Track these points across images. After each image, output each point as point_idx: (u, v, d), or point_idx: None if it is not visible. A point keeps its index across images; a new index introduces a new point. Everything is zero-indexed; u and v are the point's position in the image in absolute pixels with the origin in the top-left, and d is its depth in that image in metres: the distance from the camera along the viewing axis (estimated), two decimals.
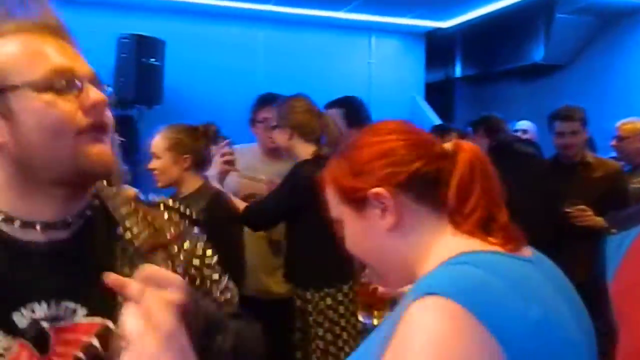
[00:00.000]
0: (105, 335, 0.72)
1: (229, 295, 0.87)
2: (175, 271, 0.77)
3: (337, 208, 0.82)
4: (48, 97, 0.70)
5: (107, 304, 0.71)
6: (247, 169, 2.43)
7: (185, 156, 2.04)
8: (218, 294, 0.85)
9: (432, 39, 5.54)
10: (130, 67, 4.00)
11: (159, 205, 0.87)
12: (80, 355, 0.72)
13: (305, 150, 2.14)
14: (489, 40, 5.26)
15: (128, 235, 0.79)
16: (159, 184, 2.10)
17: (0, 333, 0.70)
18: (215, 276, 0.86)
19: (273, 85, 4.16)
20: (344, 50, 5.10)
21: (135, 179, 3.03)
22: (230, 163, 2.25)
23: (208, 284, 0.85)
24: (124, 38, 4.04)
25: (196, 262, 0.84)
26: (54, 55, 0.72)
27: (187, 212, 0.89)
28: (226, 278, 0.89)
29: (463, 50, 5.85)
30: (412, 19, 5.06)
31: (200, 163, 2.11)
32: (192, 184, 2.08)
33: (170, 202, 0.89)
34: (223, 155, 2.24)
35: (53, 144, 0.70)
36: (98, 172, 0.75)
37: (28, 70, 0.70)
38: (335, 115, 2.51)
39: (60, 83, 0.71)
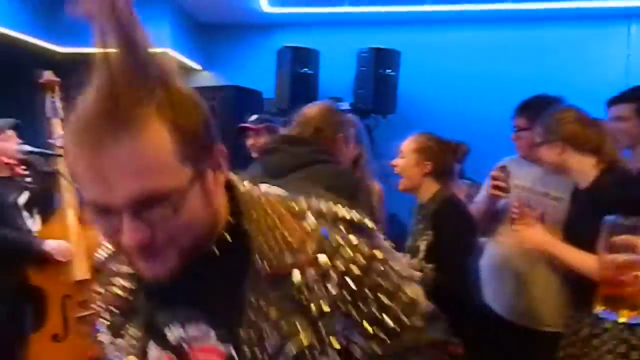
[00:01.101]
0: None
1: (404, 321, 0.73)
2: (316, 293, 0.70)
3: None
4: (94, 214, 0.67)
5: (233, 332, 0.72)
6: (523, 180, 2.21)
7: (427, 162, 2.13)
8: (392, 320, 0.72)
9: None
10: (368, 79, 4.23)
11: (304, 212, 0.75)
12: None
13: (584, 163, 1.87)
14: None
15: (260, 263, 0.72)
16: (400, 187, 2.20)
17: (154, 344, 0.78)
18: (385, 300, 0.72)
19: (515, 87, 3.93)
20: (598, 42, 4.54)
21: None
22: (502, 189, 2.16)
23: (373, 306, 0.71)
24: (363, 52, 4.29)
25: (351, 283, 0.71)
26: (88, 185, 0.64)
27: (352, 218, 0.77)
28: (417, 302, 0.75)
29: None
30: None
31: (441, 173, 2.16)
32: (429, 190, 2.14)
33: (322, 206, 0.77)
34: (494, 179, 2.18)
35: None
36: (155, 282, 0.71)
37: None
38: (624, 112, 2.22)
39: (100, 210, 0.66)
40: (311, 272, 0.70)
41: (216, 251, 0.73)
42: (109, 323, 0.84)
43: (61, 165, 2.70)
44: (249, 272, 0.72)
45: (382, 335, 0.71)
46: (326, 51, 4.42)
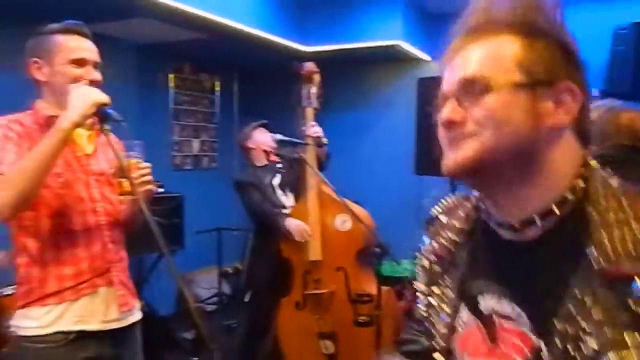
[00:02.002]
0: (536, 357, 0.66)
1: None
2: None
3: None
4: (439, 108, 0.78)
5: (546, 322, 0.66)
6: None
7: None
8: None
9: None
10: (627, 60, 3.67)
11: None
12: None
13: None
14: None
15: (596, 256, 0.64)
16: None
17: (466, 309, 0.78)
18: None
19: None
20: None
21: None
22: None
23: None
24: (621, 29, 3.74)
25: None
26: (444, 79, 0.79)
27: None
28: None
29: None
30: None
31: None
32: None
33: None
34: None
35: None
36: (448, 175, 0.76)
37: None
38: None
39: None
40: None
41: (556, 210, 0.69)
42: (428, 270, 0.88)
43: (308, 153, 2.94)
44: (579, 262, 0.65)
45: None
46: (575, 30, 3.96)
